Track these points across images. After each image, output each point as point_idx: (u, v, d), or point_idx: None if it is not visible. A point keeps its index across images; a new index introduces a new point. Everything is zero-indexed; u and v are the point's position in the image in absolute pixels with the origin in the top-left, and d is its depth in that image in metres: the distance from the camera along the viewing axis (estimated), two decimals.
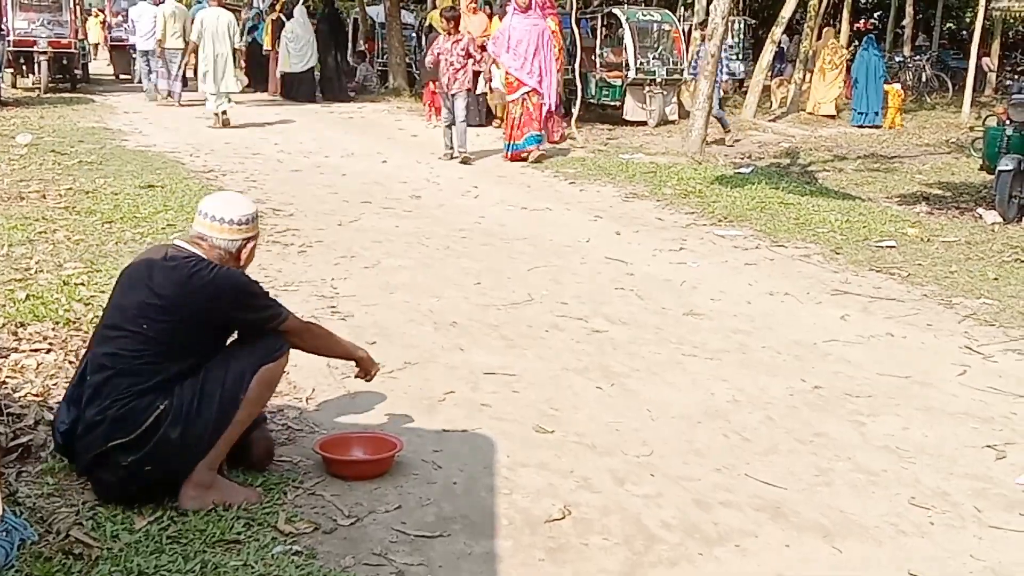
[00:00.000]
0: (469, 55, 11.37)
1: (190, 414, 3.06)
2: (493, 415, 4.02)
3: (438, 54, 11.31)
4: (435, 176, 10.33)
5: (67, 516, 2.92)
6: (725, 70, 16.45)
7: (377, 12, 22.31)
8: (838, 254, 7.13)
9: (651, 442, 3.82)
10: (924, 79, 22.75)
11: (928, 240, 7.67)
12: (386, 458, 3.46)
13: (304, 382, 4.24)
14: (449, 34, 11.44)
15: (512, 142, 11.57)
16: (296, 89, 18.35)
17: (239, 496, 3.14)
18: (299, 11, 18.19)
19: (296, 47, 17.90)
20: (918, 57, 23.88)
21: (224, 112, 13.98)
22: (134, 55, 21.71)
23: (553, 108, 11.98)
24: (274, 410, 3.92)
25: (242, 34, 19.82)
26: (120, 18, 22.87)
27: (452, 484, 3.39)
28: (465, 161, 11.23)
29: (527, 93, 11.44)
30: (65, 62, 18.95)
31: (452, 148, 11.47)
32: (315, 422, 3.85)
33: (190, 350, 3.13)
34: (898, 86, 18.58)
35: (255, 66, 20.05)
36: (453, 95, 11.32)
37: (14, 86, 18.37)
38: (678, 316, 5.50)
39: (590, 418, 4.04)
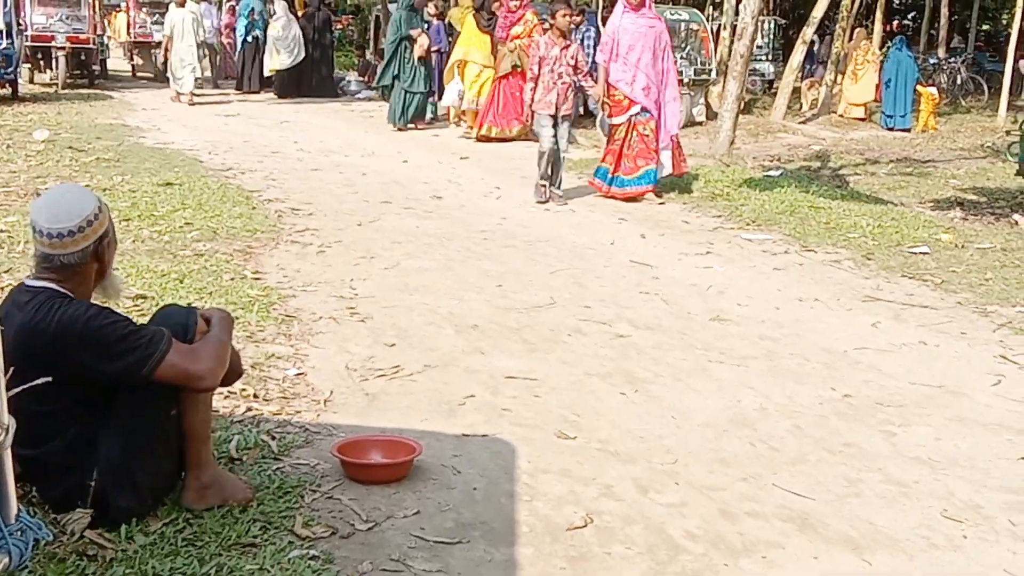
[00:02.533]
0: (578, 67, 8.99)
1: (129, 470, 2.85)
2: (514, 420, 3.96)
3: (540, 60, 8.88)
4: (456, 176, 10.29)
5: (81, 517, 2.87)
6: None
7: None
8: (869, 260, 7.03)
9: (675, 450, 3.75)
10: (959, 82, 22.49)
11: (962, 246, 7.55)
12: (405, 462, 3.41)
13: (322, 384, 4.21)
14: (563, 35, 8.95)
15: (617, 175, 9.13)
16: (285, 85, 18.54)
17: (239, 493, 3.09)
18: (280, 7, 18.33)
19: (283, 44, 18.05)
20: (953, 59, 23.58)
21: (186, 93, 16.89)
22: (155, 51, 21.79)
23: (676, 131, 9.44)
24: (291, 412, 3.89)
25: (251, 29, 19.78)
26: (143, 13, 22.69)
27: (472, 490, 3.33)
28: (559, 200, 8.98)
29: (638, 114, 9.01)
30: (83, 58, 19.04)
31: (551, 185, 9.03)
32: (333, 425, 3.80)
33: (80, 408, 2.82)
34: (933, 89, 18.33)
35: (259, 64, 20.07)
36: (562, 117, 8.98)
37: (31, 81, 18.52)
38: (704, 321, 5.42)
39: (613, 424, 3.97)
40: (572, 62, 8.87)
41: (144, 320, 3.14)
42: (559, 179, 9.10)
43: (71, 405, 2.81)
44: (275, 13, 18.44)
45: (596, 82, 9.17)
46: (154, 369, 2.79)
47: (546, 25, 14.07)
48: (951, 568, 3.00)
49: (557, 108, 8.87)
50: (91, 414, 2.86)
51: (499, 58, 13.25)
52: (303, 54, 18.43)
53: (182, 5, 17.33)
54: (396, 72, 14.20)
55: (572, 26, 8.92)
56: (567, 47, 8.90)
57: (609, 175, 9.15)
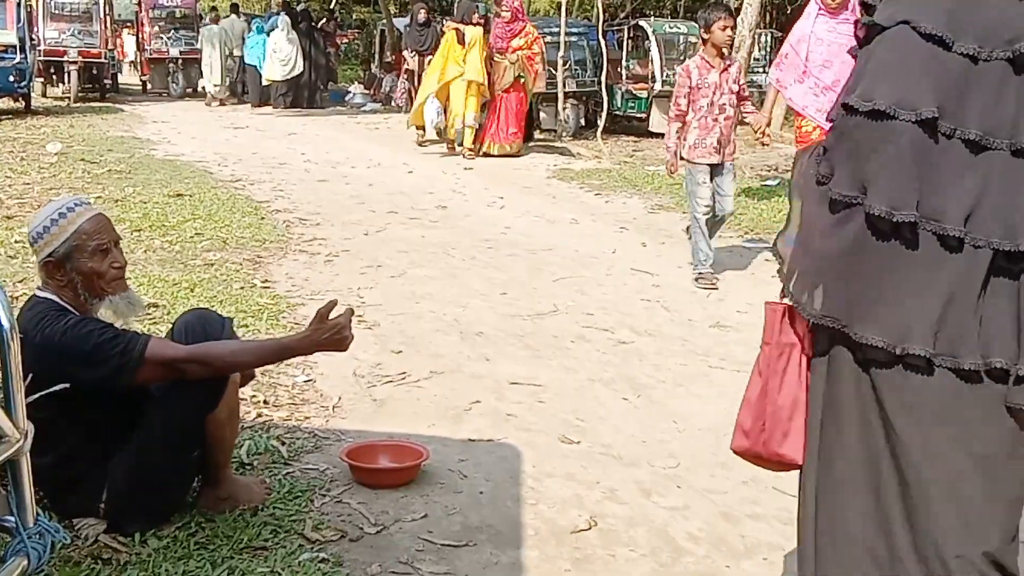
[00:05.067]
0: (742, 93, 6.61)
1: (140, 501, 2.89)
2: (519, 425, 4.02)
3: (695, 89, 6.42)
4: (461, 187, 10.36)
5: (96, 521, 2.94)
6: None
7: (404, 24, 22.43)
8: None
9: (678, 454, 3.80)
10: None
11: None
12: (412, 466, 3.46)
13: (330, 391, 4.26)
14: (720, 54, 6.46)
15: None
16: (278, 96, 18.85)
17: (253, 499, 3.16)
18: (282, 21, 18.60)
19: (280, 56, 18.26)
20: None
21: (214, 96, 19.88)
22: (172, 67, 21.96)
23: None
24: (301, 418, 3.95)
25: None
26: (158, 28, 22.73)
27: (478, 493, 3.39)
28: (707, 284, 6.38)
29: None
30: (95, 72, 19.25)
31: (711, 258, 6.50)
32: (341, 430, 3.86)
33: (84, 421, 2.85)
34: None
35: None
36: (719, 165, 6.49)
37: (44, 95, 18.72)
38: (704, 328, 5.47)
39: (616, 429, 4.03)
40: (735, 87, 6.50)
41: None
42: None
43: (68, 415, 2.80)
44: (276, 27, 18.68)
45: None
46: (135, 373, 2.80)
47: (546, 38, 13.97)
48: None
49: (717, 148, 6.44)
50: (97, 430, 2.90)
51: (500, 71, 12.66)
52: (299, 69, 18.60)
53: (216, 22, 20.35)
54: None
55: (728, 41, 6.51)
56: (727, 68, 6.46)
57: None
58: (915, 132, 1.90)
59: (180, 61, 21.77)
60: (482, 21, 12.86)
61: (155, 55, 22.34)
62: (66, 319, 2.81)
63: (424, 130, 13.36)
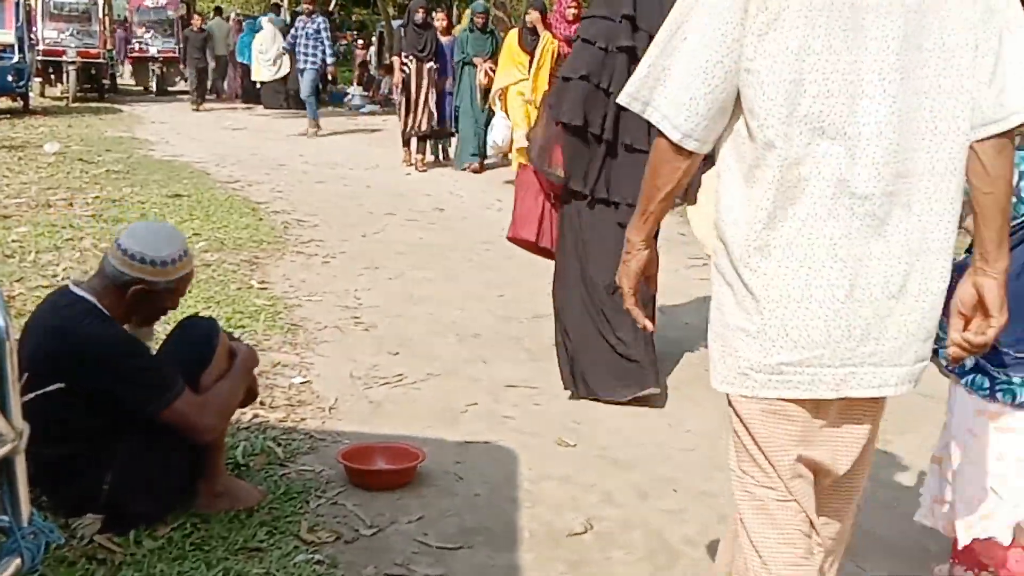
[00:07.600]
0: None
1: (146, 477, 2.90)
2: (515, 427, 4.02)
3: None
4: (458, 189, 10.36)
5: (92, 522, 2.93)
6: None
7: (399, 24, 22.41)
8: None
9: (674, 457, 3.80)
10: None
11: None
12: (408, 468, 3.46)
13: (327, 392, 4.26)
14: None
15: None
16: (268, 96, 19.02)
17: (249, 499, 3.16)
18: (267, 22, 18.67)
19: (265, 58, 18.31)
20: None
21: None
22: (152, 66, 22.18)
23: None
24: (297, 419, 3.95)
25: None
26: (143, 29, 22.84)
27: (474, 496, 3.39)
28: None
29: None
30: (93, 72, 19.27)
31: None
32: (337, 432, 3.85)
33: (94, 413, 2.84)
34: None
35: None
36: None
37: (42, 95, 18.71)
38: (700, 331, 5.45)
39: (612, 432, 4.03)
40: None
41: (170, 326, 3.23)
42: None
43: (84, 410, 2.83)
44: (261, 28, 18.77)
45: None
46: (158, 412, 2.84)
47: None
48: None
49: None
50: (105, 418, 2.90)
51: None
52: (287, 69, 18.58)
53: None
54: (459, 103, 11.87)
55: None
56: None
57: None
58: (579, 84, 4.10)
59: (159, 60, 22.17)
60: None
61: (136, 54, 22.91)
62: (114, 330, 2.87)
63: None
